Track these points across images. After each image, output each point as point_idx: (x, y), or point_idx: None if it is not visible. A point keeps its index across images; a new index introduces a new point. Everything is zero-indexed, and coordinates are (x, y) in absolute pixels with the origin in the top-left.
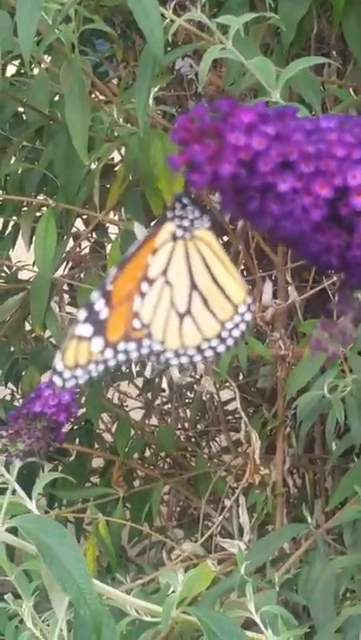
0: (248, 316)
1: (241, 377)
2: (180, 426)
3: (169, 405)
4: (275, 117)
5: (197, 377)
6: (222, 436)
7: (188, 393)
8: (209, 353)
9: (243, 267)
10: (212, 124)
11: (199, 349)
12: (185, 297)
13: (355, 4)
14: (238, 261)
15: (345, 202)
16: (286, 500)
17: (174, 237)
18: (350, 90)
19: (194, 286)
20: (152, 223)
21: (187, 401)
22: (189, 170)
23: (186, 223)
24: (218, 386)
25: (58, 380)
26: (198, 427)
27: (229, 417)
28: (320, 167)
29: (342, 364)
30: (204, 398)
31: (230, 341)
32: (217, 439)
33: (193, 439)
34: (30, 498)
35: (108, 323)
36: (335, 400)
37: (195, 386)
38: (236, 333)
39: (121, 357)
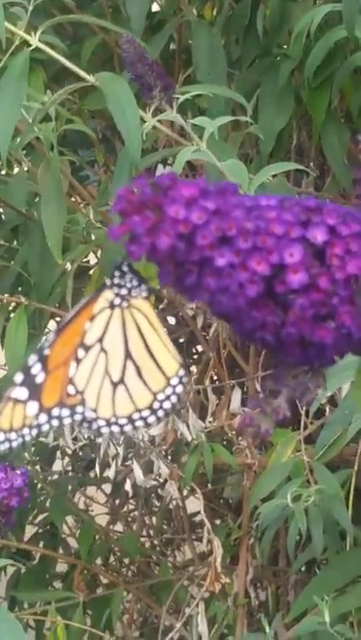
0: (179, 389)
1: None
2: (145, 533)
3: (135, 512)
4: (215, 193)
5: (162, 481)
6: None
7: (156, 501)
8: (140, 423)
9: (214, 374)
10: (153, 196)
11: (130, 419)
12: (119, 366)
13: (334, 118)
14: (209, 369)
15: (281, 279)
16: (248, 612)
17: (112, 305)
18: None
19: (128, 355)
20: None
21: (154, 509)
22: (129, 241)
23: (124, 291)
24: (185, 494)
25: None
26: (164, 535)
27: (198, 529)
28: (258, 243)
29: (307, 474)
30: (171, 507)
31: (161, 413)
32: (181, 548)
33: (158, 547)
34: None
35: (43, 387)
36: (298, 510)
37: (160, 492)
38: (168, 405)
39: (54, 423)
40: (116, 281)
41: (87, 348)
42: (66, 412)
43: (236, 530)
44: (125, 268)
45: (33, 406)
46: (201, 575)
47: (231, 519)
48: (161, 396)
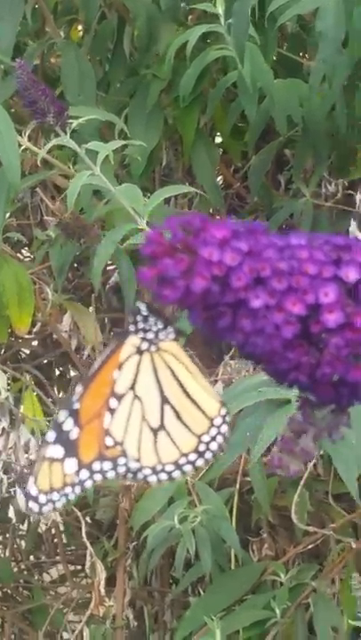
0: (224, 428)
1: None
2: (13, 557)
3: (7, 535)
4: (246, 233)
5: None
6: (53, 569)
7: (21, 525)
8: (188, 467)
9: None
10: (185, 238)
11: (177, 465)
12: (157, 411)
13: (204, 137)
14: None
15: (316, 319)
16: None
17: (139, 351)
18: None
19: (165, 400)
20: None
21: (20, 533)
22: (160, 284)
23: (150, 335)
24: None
25: (34, 506)
26: (32, 558)
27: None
28: (292, 284)
29: (191, 494)
30: (39, 530)
31: (209, 455)
32: (48, 572)
33: (25, 571)
34: None
35: (79, 442)
36: (185, 531)
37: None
38: (214, 446)
39: (97, 477)
40: (141, 325)
41: (119, 397)
42: (108, 464)
43: (113, 551)
44: (146, 312)
45: (71, 463)
46: (76, 598)
47: (105, 540)
48: (206, 438)
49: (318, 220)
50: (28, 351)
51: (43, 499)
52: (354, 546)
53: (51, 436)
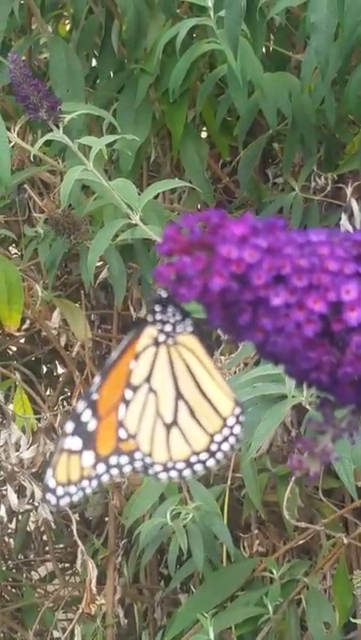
0: (237, 429)
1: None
2: (2, 555)
3: None
4: (265, 230)
5: (35, 504)
6: (41, 567)
7: (10, 524)
8: (198, 467)
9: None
10: (203, 235)
11: (188, 463)
12: (171, 406)
13: (192, 132)
14: (75, 389)
15: (338, 317)
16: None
17: (156, 342)
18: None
19: (180, 395)
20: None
21: (9, 531)
22: (177, 282)
23: (168, 328)
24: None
25: (51, 498)
26: (20, 556)
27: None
28: (313, 281)
29: (182, 491)
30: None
31: (220, 455)
32: (37, 570)
33: (15, 569)
34: None
35: (97, 435)
36: (178, 528)
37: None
38: (226, 447)
39: (114, 472)
40: (159, 317)
41: (135, 389)
42: (125, 459)
43: (102, 549)
44: (166, 301)
45: (89, 456)
46: (66, 596)
47: (94, 538)
48: (218, 438)
49: (308, 213)
50: (15, 348)
51: (60, 491)
52: (345, 541)
53: (69, 426)
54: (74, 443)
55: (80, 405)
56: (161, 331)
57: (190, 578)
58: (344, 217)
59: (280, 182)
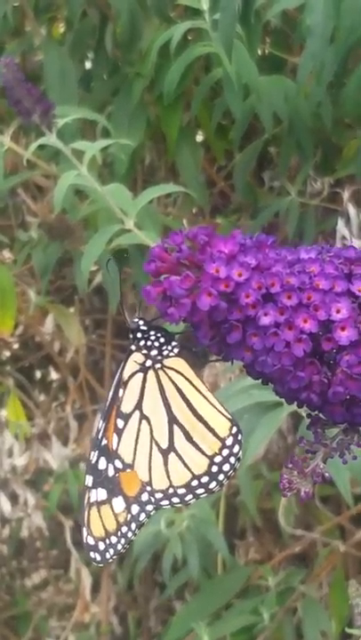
0: (236, 449)
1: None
2: None
3: None
4: (254, 247)
5: (28, 512)
6: (34, 574)
7: (3, 530)
8: (201, 491)
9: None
10: (191, 254)
11: (190, 487)
12: (165, 432)
13: (188, 136)
14: (69, 395)
15: (328, 336)
16: None
17: (144, 367)
18: (183, 220)
19: (174, 419)
20: None
21: (2, 538)
22: (164, 302)
23: (154, 352)
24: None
25: (96, 556)
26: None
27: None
28: (303, 300)
29: None
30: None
31: (222, 477)
32: (30, 576)
33: (8, 576)
34: None
35: (119, 478)
36: (172, 535)
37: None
38: (227, 468)
39: (149, 508)
40: (142, 343)
41: (126, 417)
42: (159, 494)
43: None
44: (145, 327)
45: (119, 502)
46: (60, 605)
47: None
48: (218, 459)
49: (304, 218)
50: (8, 354)
51: (102, 546)
52: (342, 549)
53: (88, 480)
54: (99, 494)
55: (93, 456)
56: (147, 355)
57: (185, 586)
58: (341, 222)
59: (276, 186)
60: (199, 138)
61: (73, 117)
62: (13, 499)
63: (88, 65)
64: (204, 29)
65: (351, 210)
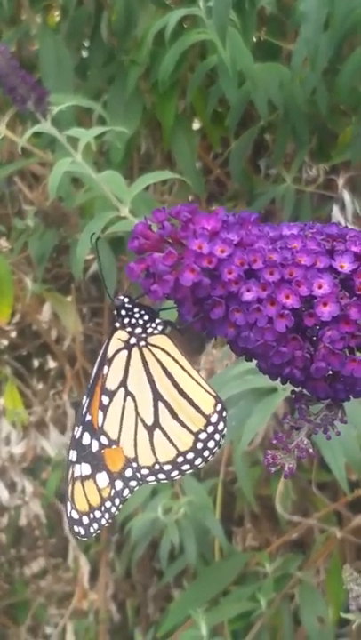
0: (221, 425)
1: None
2: None
3: None
4: (236, 224)
5: (26, 500)
6: (33, 562)
7: (3, 519)
8: (186, 467)
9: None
10: (173, 230)
11: (175, 464)
12: (150, 409)
13: (183, 123)
14: (67, 383)
15: (310, 312)
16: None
17: (128, 345)
18: None
19: (159, 396)
20: None
21: (0, 526)
22: (148, 279)
23: (138, 330)
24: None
25: (80, 529)
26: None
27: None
28: (285, 275)
29: (174, 486)
30: (20, 524)
31: (207, 453)
32: (29, 564)
33: (7, 564)
34: None
35: (103, 453)
36: (170, 522)
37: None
38: (212, 444)
39: (133, 484)
40: (127, 320)
41: (111, 394)
42: (145, 470)
43: (95, 544)
44: (129, 304)
45: (103, 477)
46: (59, 592)
47: None
48: (203, 436)
49: (300, 205)
50: (6, 342)
51: (86, 520)
52: (338, 535)
53: (73, 455)
54: (83, 469)
55: (77, 431)
56: (131, 333)
57: (183, 573)
58: (336, 208)
59: (272, 173)
60: (195, 125)
61: (68, 105)
62: (11, 487)
63: (84, 53)
64: (200, 16)
65: (346, 196)
